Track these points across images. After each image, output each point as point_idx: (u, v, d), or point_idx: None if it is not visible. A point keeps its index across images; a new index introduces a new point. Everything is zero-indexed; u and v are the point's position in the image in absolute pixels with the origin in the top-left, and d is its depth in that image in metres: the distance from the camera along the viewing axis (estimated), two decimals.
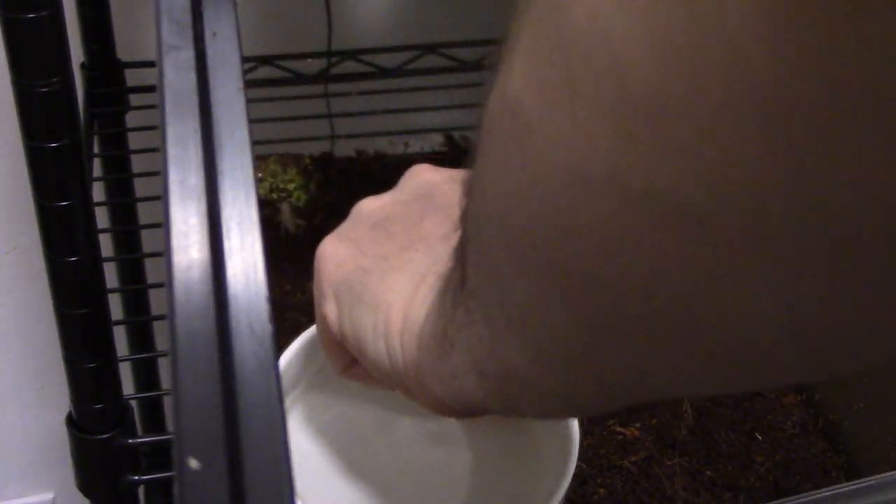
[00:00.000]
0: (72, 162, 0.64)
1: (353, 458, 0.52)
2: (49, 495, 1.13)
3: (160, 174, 0.18)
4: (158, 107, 0.20)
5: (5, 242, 0.97)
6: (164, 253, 0.16)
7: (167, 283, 0.16)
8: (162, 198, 0.17)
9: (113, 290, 0.66)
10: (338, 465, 0.52)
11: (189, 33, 0.21)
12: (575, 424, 0.49)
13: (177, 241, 0.16)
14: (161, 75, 0.20)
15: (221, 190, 0.18)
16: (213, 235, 0.17)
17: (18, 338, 1.02)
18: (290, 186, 0.74)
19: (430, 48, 0.94)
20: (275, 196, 0.74)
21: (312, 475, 0.51)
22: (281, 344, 0.55)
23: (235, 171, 0.18)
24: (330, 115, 0.91)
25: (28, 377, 1.05)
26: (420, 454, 0.52)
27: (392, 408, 0.54)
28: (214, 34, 0.21)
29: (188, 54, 0.20)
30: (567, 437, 0.49)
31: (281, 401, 0.16)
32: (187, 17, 0.21)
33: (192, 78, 0.20)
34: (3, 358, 1.04)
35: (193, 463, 0.14)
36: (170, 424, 0.65)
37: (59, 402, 0.66)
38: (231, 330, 0.16)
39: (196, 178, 0.18)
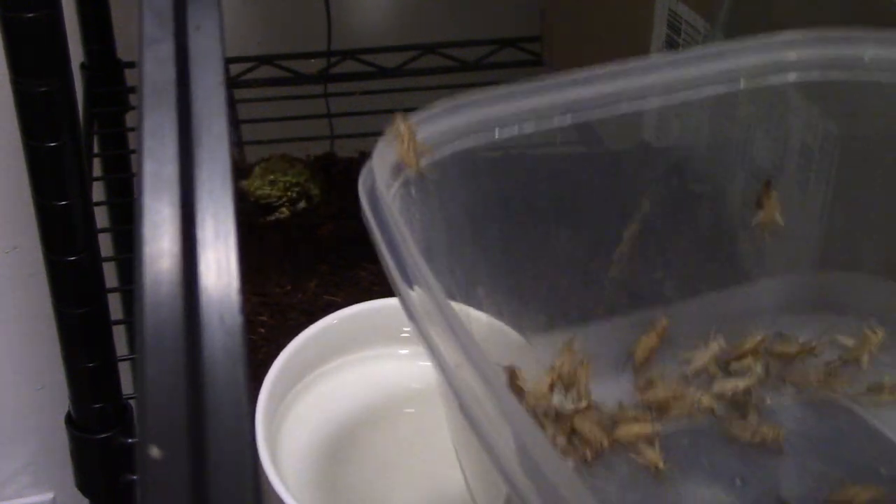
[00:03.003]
0: (71, 161, 0.64)
1: (354, 447, 0.53)
2: (49, 495, 1.13)
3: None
4: (137, 99, 0.20)
5: (5, 242, 0.97)
6: (135, 243, 0.16)
7: (136, 272, 0.16)
8: (135, 188, 0.17)
9: (112, 290, 0.66)
10: (339, 454, 0.52)
11: (171, 26, 0.21)
12: None
13: (148, 231, 0.16)
14: (141, 67, 0.20)
15: (197, 181, 0.18)
16: (187, 226, 0.17)
17: (18, 338, 1.02)
18: (301, 179, 0.74)
19: (430, 48, 0.94)
20: (290, 194, 0.73)
21: (311, 461, 0.52)
22: (281, 343, 0.55)
23: (212, 163, 0.18)
24: (330, 115, 0.91)
25: (28, 377, 1.05)
26: (422, 446, 0.52)
27: (397, 401, 0.54)
28: (198, 27, 0.21)
29: (168, 47, 0.20)
30: None
31: (248, 392, 0.16)
32: (170, 11, 0.21)
33: (171, 70, 0.20)
34: (3, 358, 1.04)
35: (155, 451, 0.14)
36: None
37: (59, 402, 0.66)
38: (201, 320, 0.16)
39: (171, 169, 0.18)
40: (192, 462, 0.14)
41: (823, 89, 0.48)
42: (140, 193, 0.17)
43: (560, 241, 0.50)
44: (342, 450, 0.53)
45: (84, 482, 0.65)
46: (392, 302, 0.56)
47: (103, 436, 0.63)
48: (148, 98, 0.19)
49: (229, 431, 0.15)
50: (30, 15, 0.59)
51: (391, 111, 0.90)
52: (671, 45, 0.76)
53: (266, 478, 0.48)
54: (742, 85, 0.47)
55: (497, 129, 0.43)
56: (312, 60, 0.93)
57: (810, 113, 0.51)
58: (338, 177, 0.77)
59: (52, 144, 0.63)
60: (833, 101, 0.49)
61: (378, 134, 0.90)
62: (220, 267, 0.17)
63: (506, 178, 0.46)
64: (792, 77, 0.47)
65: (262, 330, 0.62)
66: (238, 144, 0.85)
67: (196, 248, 0.17)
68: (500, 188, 0.46)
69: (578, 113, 0.44)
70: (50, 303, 0.74)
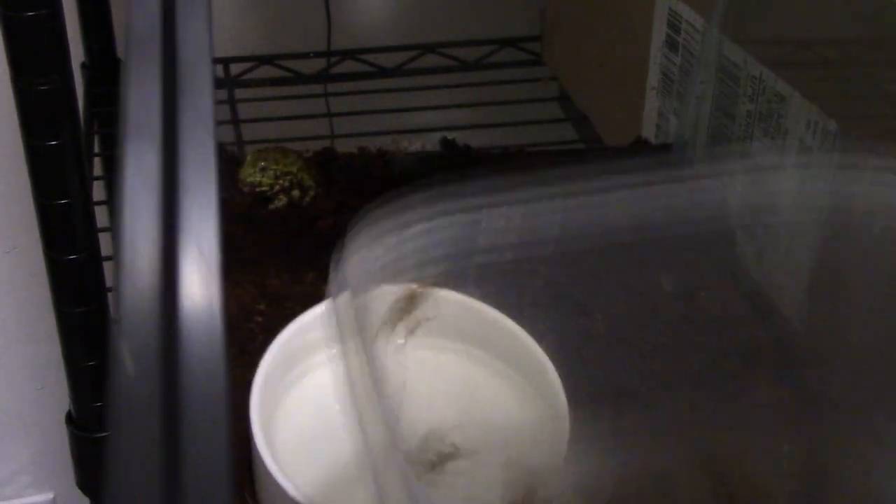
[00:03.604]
0: (72, 160, 0.64)
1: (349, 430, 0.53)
2: (49, 495, 1.13)
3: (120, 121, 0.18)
4: (125, 50, 0.20)
5: (5, 242, 0.97)
6: (116, 188, 0.16)
7: (116, 218, 0.16)
8: (119, 136, 0.17)
9: (112, 289, 0.66)
10: (335, 438, 0.53)
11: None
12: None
13: (130, 175, 0.16)
14: (129, 19, 0.20)
15: (180, 127, 0.17)
16: (168, 169, 0.17)
17: (18, 338, 1.02)
18: (294, 169, 0.75)
19: (430, 48, 0.94)
20: (281, 182, 0.74)
21: (304, 452, 0.52)
22: (279, 332, 0.55)
23: (195, 110, 0.18)
24: (330, 115, 0.91)
25: (28, 377, 1.05)
26: None
27: (393, 385, 0.55)
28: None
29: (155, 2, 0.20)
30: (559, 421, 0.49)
31: (226, 352, 0.16)
32: None
33: (156, 19, 0.19)
34: (3, 358, 1.04)
35: (129, 364, 0.14)
36: None
37: (59, 401, 0.66)
38: (178, 255, 0.15)
39: (154, 116, 0.18)
40: (165, 392, 0.14)
41: None
42: (124, 139, 0.17)
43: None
44: (338, 434, 0.53)
45: (84, 481, 0.65)
46: (385, 290, 0.56)
47: (104, 434, 0.63)
48: (134, 48, 0.19)
49: (204, 369, 0.15)
50: (30, 13, 0.59)
51: (391, 111, 0.91)
52: (671, 44, 0.76)
53: (262, 462, 0.48)
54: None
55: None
56: (312, 56, 0.93)
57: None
58: (337, 172, 0.77)
59: (53, 143, 0.63)
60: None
61: (377, 133, 0.90)
62: (200, 210, 0.17)
63: None
64: None
65: (260, 319, 0.63)
66: (238, 143, 0.85)
67: (178, 192, 0.17)
68: None
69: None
70: (50, 303, 0.74)
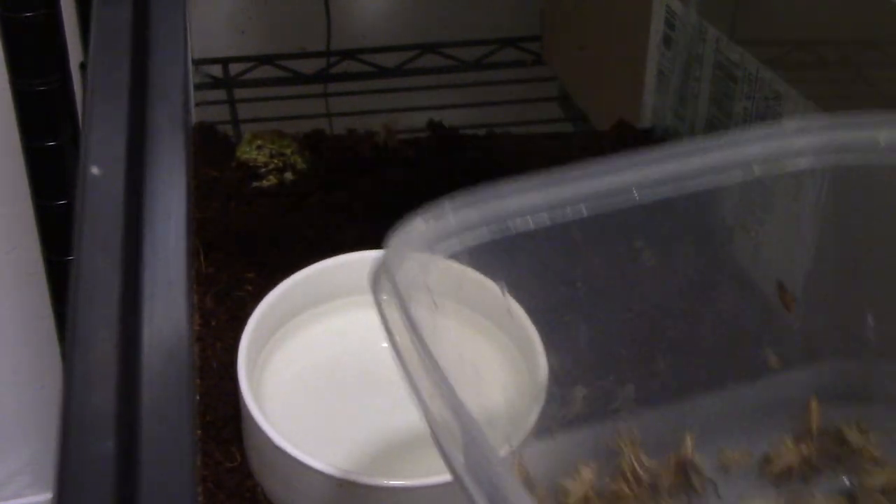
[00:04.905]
0: (70, 161, 0.65)
1: (334, 381, 0.55)
2: (49, 495, 1.13)
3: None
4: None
5: (5, 242, 0.97)
6: (84, 117, 0.16)
7: (81, 151, 0.16)
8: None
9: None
10: (320, 390, 0.55)
11: None
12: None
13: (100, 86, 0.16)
14: None
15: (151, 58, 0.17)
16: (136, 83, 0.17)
17: (18, 338, 1.02)
18: (288, 151, 0.77)
19: (430, 48, 0.94)
20: (276, 161, 0.76)
21: (291, 406, 0.54)
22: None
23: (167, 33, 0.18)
24: (329, 115, 0.91)
25: (28, 377, 1.05)
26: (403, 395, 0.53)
27: (374, 339, 0.56)
28: None
29: None
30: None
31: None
32: None
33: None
34: (3, 358, 1.04)
35: (95, 170, 0.14)
36: None
37: (58, 401, 0.66)
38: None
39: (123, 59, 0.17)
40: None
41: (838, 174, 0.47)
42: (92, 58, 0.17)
43: (577, 334, 0.49)
44: (326, 389, 0.55)
45: None
46: (367, 255, 0.57)
47: None
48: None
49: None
50: (28, 14, 0.59)
51: (391, 111, 0.91)
52: (668, 42, 0.76)
53: (248, 413, 0.49)
54: (756, 172, 0.46)
55: (509, 222, 0.42)
56: (311, 60, 0.94)
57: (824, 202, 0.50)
58: (327, 152, 0.79)
59: (51, 144, 0.63)
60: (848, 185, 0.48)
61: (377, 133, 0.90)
62: (168, 144, 0.17)
63: (518, 268, 0.46)
64: (806, 162, 0.46)
65: (250, 287, 0.64)
66: (238, 142, 0.86)
67: (146, 125, 0.16)
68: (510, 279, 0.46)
69: (592, 203, 0.43)
70: (50, 303, 0.74)
